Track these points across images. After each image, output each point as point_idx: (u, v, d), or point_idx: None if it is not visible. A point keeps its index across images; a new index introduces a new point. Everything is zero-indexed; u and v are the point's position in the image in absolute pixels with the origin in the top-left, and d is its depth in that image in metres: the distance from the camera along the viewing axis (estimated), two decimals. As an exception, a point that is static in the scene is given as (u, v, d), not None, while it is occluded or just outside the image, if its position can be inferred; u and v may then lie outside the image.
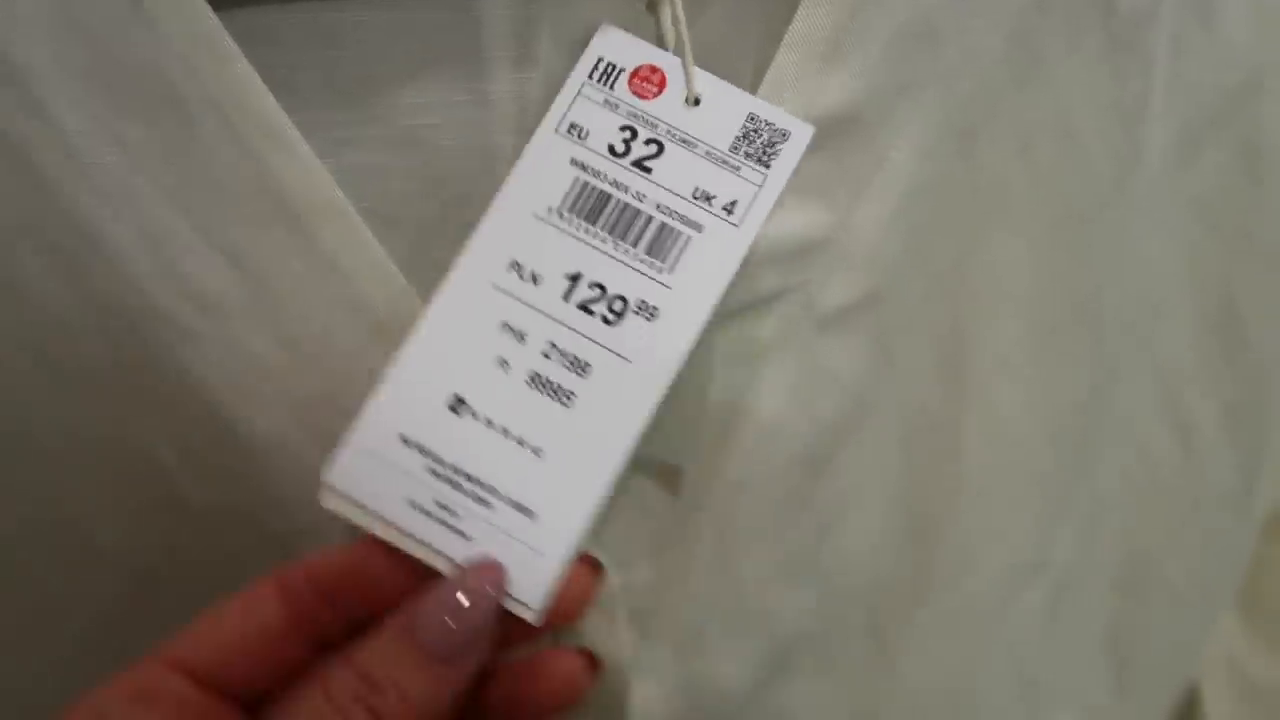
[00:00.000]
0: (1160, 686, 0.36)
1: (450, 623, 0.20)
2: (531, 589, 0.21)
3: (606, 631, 0.26)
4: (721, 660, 0.29)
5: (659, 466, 0.26)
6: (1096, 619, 0.34)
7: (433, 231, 0.24)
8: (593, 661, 0.23)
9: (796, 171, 0.24)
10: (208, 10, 0.21)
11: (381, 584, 0.22)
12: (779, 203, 0.24)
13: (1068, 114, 0.27)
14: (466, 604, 0.21)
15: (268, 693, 0.22)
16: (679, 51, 0.23)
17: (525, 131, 0.23)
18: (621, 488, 0.24)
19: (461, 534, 0.21)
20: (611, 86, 0.23)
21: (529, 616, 0.21)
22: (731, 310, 0.25)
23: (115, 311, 0.23)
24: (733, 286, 0.24)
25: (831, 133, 0.25)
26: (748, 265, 0.24)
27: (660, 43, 0.23)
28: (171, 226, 0.22)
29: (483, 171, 0.23)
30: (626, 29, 0.23)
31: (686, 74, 0.23)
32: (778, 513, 0.28)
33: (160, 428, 0.23)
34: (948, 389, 0.29)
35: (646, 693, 0.28)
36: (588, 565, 0.23)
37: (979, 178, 0.27)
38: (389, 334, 0.23)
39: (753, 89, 0.24)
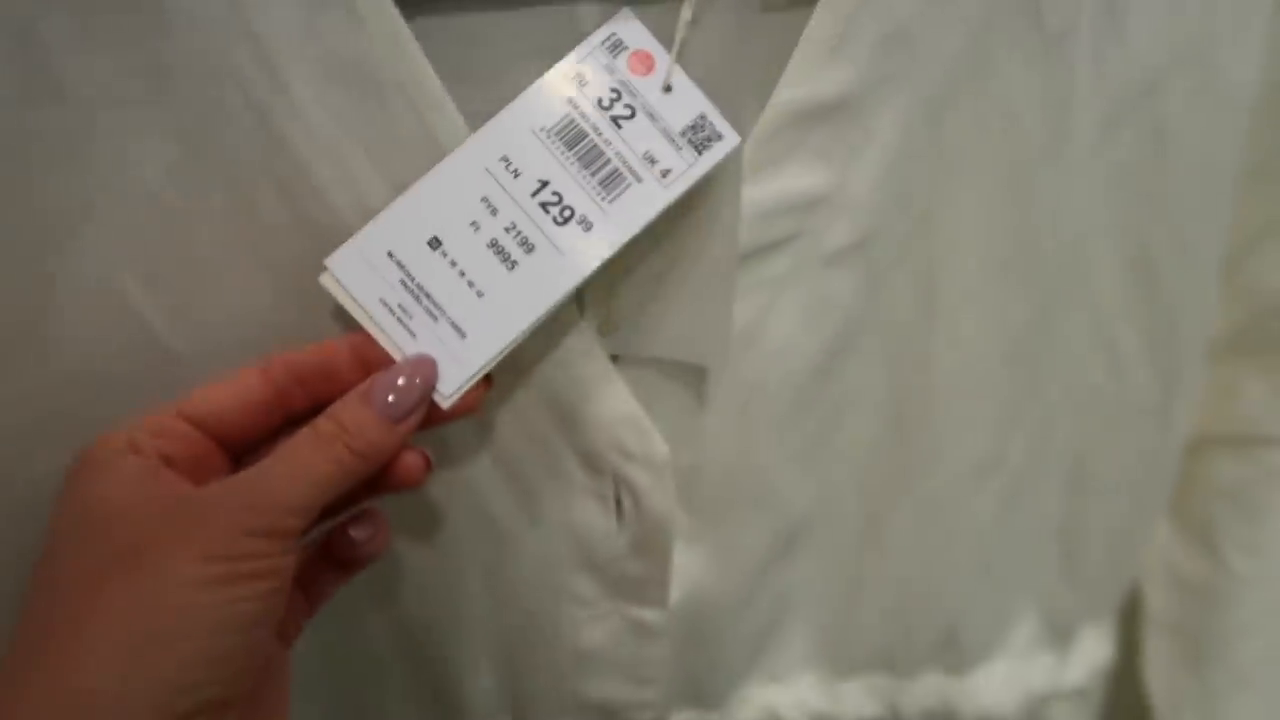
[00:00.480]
0: (1103, 573, 0.40)
1: (393, 397, 0.25)
2: (450, 385, 0.26)
3: (659, 495, 0.32)
4: (742, 532, 0.34)
5: (690, 368, 0.31)
6: (1047, 512, 0.38)
7: None
8: (429, 462, 0.27)
9: (803, 140, 0.28)
10: (399, 15, 0.25)
11: (340, 374, 0.26)
12: (792, 161, 0.28)
13: (1011, 100, 0.30)
14: (403, 384, 0.25)
15: (248, 447, 0.27)
16: (675, 51, 0.27)
17: None
18: (667, 384, 0.30)
19: (411, 334, 0.26)
20: (615, 57, 0.27)
21: (443, 403, 0.26)
22: (754, 249, 0.30)
23: (317, 230, 0.27)
24: (752, 229, 0.29)
25: (833, 112, 0.29)
26: (768, 214, 0.29)
27: (671, 38, 0.27)
28: (363, 169, 0.27)
29: None
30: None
31: (670, 67, 0.27)
32: (789, 411, 0.32)
33: (337, 320, 0.28)
34: (922, 313, 0.32)
35: (683, 553, 0.33)
36: (484, 386, 0.27)
37: (945, 146, 0.30)
38: None
39: (757, 78, 0.28)
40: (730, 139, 0.27)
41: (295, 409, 0.27)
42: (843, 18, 0.28)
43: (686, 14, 0.27)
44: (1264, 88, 0.34)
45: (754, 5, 0.28)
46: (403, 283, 0.26)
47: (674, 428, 0.31)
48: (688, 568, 0.33)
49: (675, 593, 0.33)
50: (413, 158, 0.27)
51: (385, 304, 0.26)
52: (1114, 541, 0.40)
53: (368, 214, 0.27)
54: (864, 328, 0.32)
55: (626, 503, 0.31)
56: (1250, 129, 0.34)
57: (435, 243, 0.26)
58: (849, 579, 0.36)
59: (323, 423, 0.25)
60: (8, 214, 0.27)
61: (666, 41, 0.28)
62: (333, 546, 0.28)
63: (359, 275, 0.26)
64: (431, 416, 0.27)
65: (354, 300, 0.26)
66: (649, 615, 0.33)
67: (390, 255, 0.26)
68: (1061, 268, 0.33)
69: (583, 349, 0.29)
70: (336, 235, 0.27)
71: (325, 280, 0.26)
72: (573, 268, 0.27)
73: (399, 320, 0.26)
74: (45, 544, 0.24)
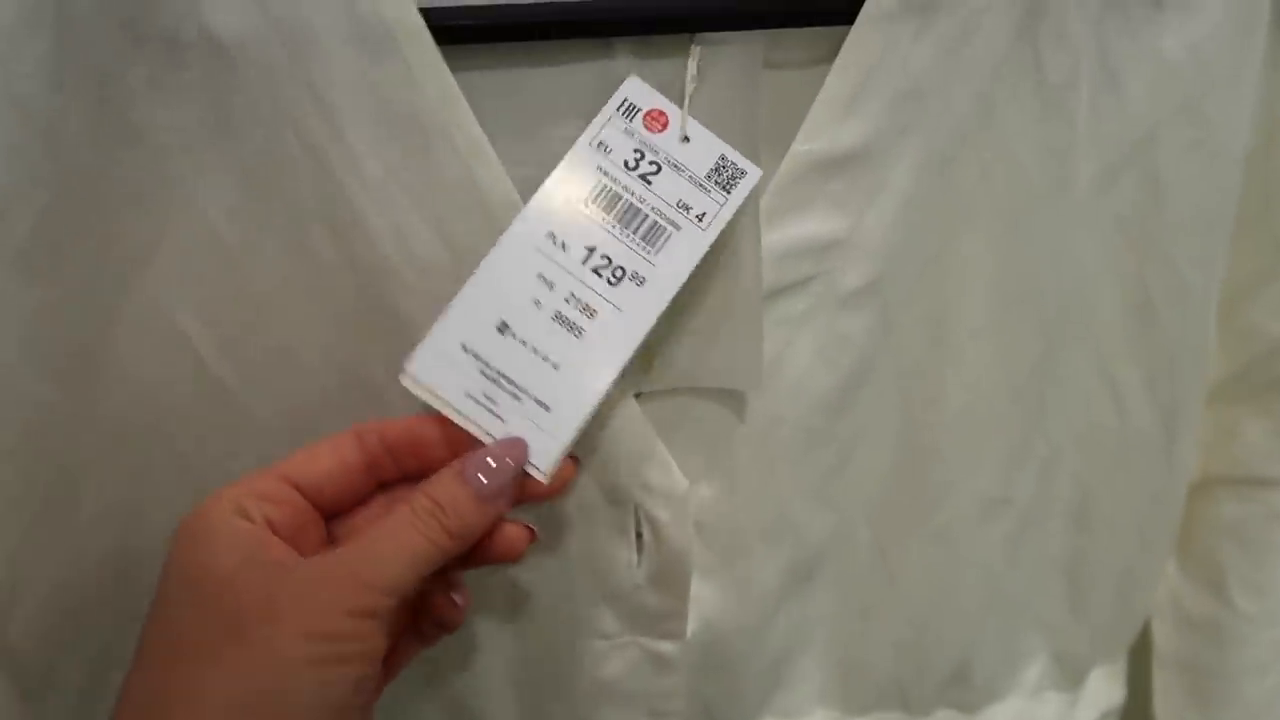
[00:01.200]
0: (1109, 610, 0.40)
1: (486, 476, 0.26)
2: (544, 459, 0.27)
3: (679, 529, 0.32)
4: (758, 565, 0.34)
5: (728, 393, 0.31)
6: (1055, 548, 0.38)
7: None
8: (533, 534, 0.28)
9: (822, 188, 0.29)
10: (448, 70, 0.26)
11: (429, 449, 0.27)
12: (812, 208, 0.29)
13: (1015, 150, 0.31)
14: (496, 464, 0.26)
15: (340, 510, 0.27)
16: (685, 104, 0.28)
17: None
18: (688, 420, 0.31)
19: (500, 418, 0.27)
20: (631, 120, 0.28)
21: (541, 478, 0.27)
22: (774, 290, 0.31)
23: (364, 270, 0.28)
24: (772, 271, 0.30)
25: (849, 163, 0.30)
26: (787, 257, 0.30)
27: (682, 92, 0.29)
28: (410, 215, 0.28)
29: None
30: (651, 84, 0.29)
31: (683, 120, 0.28)
32: (806, 446, 0.33)
33: (380, 355, 0.28)
34: (933, 352, 0.33)
35: (700, 586, 0.33)
36: (573, 467, 0.28)
37: (953, 193, 0.31)
38: None
39: (764, 129, 0.29)
40: (753, 172, 0.28)
41: (384, 477, 0.27)
42: (859, 76, 0.29)
43: (692, 69, 0.28)
44: (1256, 138, 0.35)
45: (757, 61, 0.29)
46: (482, 372, 0.27)
47: (693, 462, 0.32)
48: (704, 600, 0.34)
49: (691, 625, 0.33)
50: (457, 204, 0.28)
51: (470, 396, 0.27)
52: (1121, 580, 0.40)
53: (413, 258, 0.28)
54: (877, 365, 0.32)
55: (646, 535, 0.32)
56: (1244, 178, 0.35)
57: (503, 327, 0.27)
58: (862, 612, 0.36)
59: (420, 500, 0.25)
60: (80, 247, 0.28)
61: (675, 96, 0.29)
62: (421, 616, 0.28)
63: (439, 373, 0.27)
64: (522, 494, 0.27)
65: (438, 398, 0.27)
66: (667, 648, 0.33)
67: (464, 348, 0.27)
68: (1065, 309, 0.34)
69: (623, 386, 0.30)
70: (384, 277, 0.28)
71: (406, 382, 0.27)
72: (636, 322, 0.28)
73: (485, 408, 0.27)
74: (155, 605, 0.25)
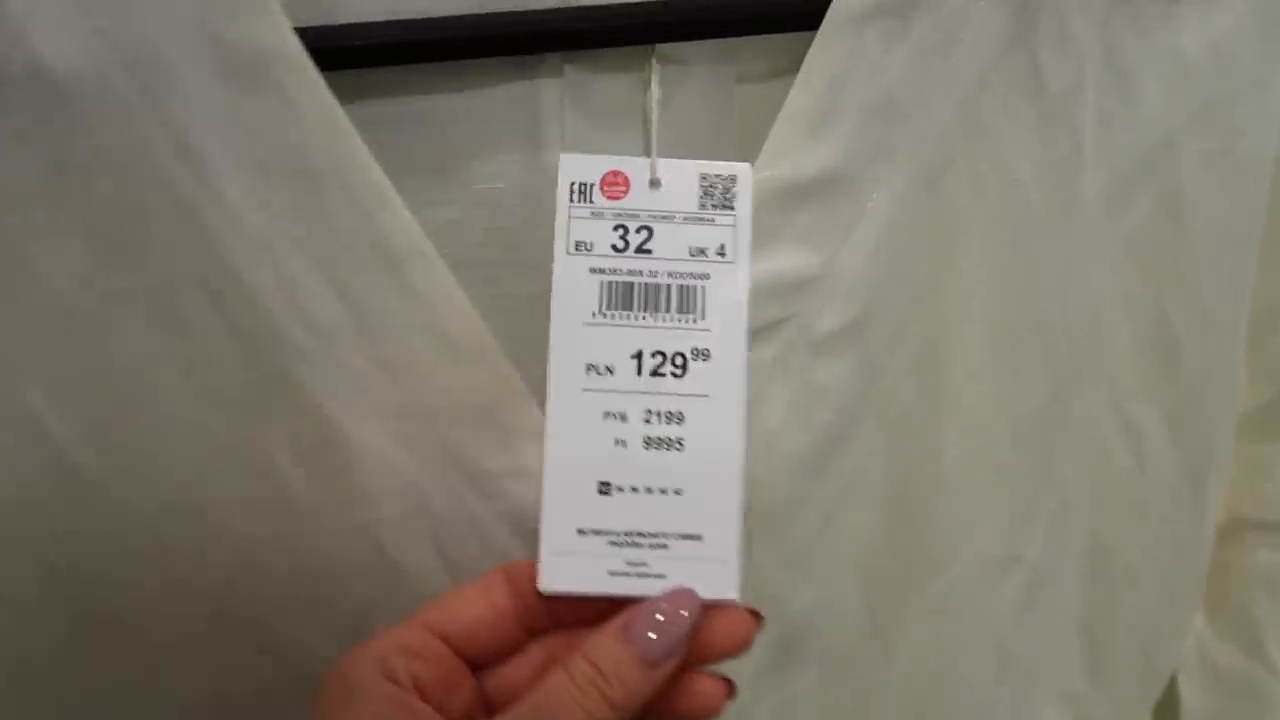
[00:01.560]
0: (1132, 671, 0.38)
1: (655, 634, 0.24)
2: (725, 584, 0.25)
3: None
4: None
5: None
6: (1070, 608, 0.36)
7: (496, 272, 0.27)
8: (731, 688, 0.26)
9: (789, 220, 0.27)
10: (334, 101, 0.24)
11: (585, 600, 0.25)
12: (777, 243, 0.27)
13: (1011, 167, 0.29)
14: (665, 619, 0.24)
15: (490, 661, 0.25)
16: (649, 148, 0.26)
17: None
18: None
19: (658, 576, 0.25)
20: (590, 200, 0.26)
21: (733, 601, 0.25)
22: None
23: (251, 338, 0.25)
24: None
25: (820, 189, 0.28)
26: (753, 297, 0.28)
27: (645, 118, 0.27)
28: (298, 270, 0.25)
29: (537, 224, 0.26)
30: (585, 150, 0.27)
31: (651, 165, 0.26)
32: (781, 509, 0.31)
33: (282, 436, 0.26)
34: (925, 398, 0.31)
35: None
36: (756, 619, 0.26)
37: (942, 219, 0.29)
38: (461, 354, 0.26)
39: (739, 154, 0.27)
40: (742, 171, 0.26)
41: (536, 625, 0.26)
42: (824, 89, 0.27)
43: (655, 92, 0.26)
44: (1284, 150, 0.33)
45: (728, 77, 0.27)
46: (612, 544, 0.25)
47: None
48: None
49: None
50: (356, 257, 0.25)
51: (615, 573, 0.25)
52: (1145, 638, 0.38)
53: (309, 322, 0.25)
54: (861, 416, 0.30)
55: None
56: (1272, 191, 0.33)
57: (604, 487, 0.26)
58: (856, 690, 0.34)
59: (579, 666, 0.23)
60: None
61: (625, 115, 0.27)
62: None
63: (572, 571, 0.25)
64: (697, 652, 0.25)
65: (590, 592, 0.25)
66: None
67: (580, 532, 0.26)
68: (1074, 344, 0.32)
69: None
70: (275, 345, 0.25)
71: (545, 593, 0.25)
72: (728, 396, 0.26)
73: (637, 576, 0.25)
74: None
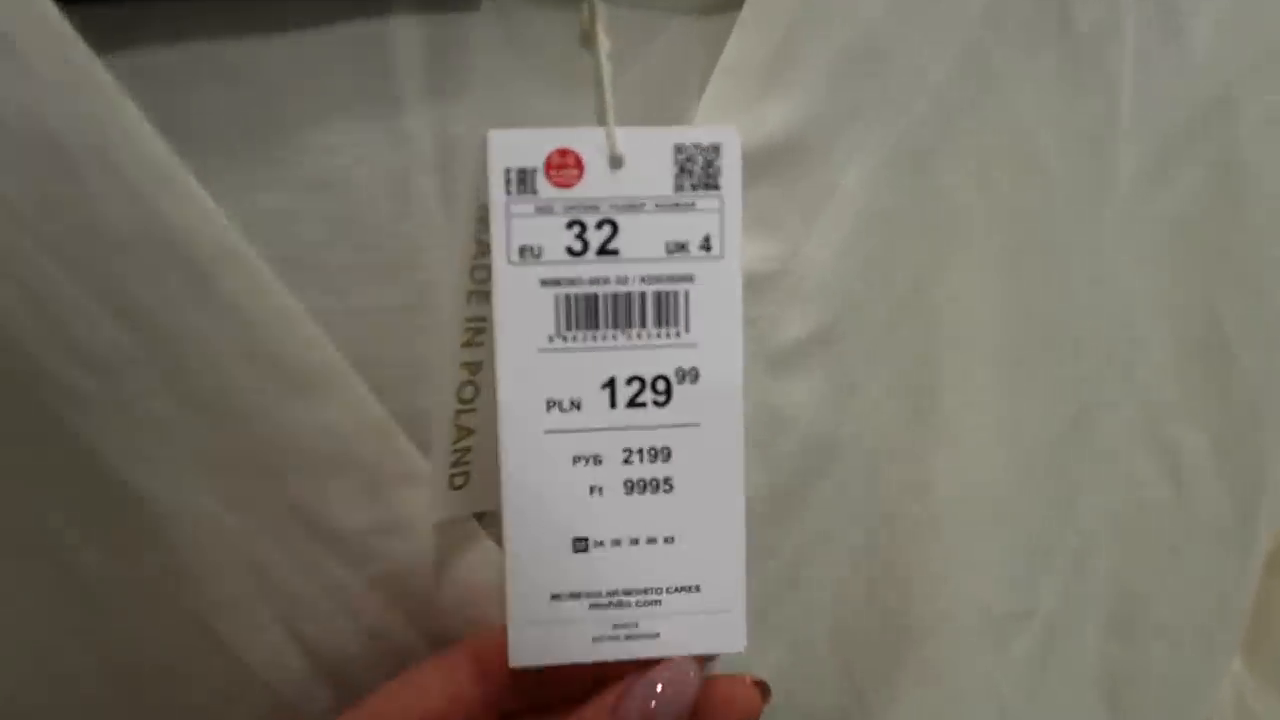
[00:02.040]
0: None
1: (655, 703, 0.22)
2: (731, 638, 0.23)
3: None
4: None
5: None
6: (1089, 666, 0.33)
7: (351, 277, 0.23)
8: (766, 690, 0.24)
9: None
10: (86, 49, 0.19)
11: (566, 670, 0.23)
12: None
13: (1027, 136, 0.26)
14: (665, 690, 0.22)
15: None
16: (600, 110, 0.22)
17: (448, 170, 0.22)
18: None
19: (650, 635, 0.23)
20: (533, 190, 0.22)
21: (739, 648, 0.24)
22: None
23: (2, 380, 0.21)
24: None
25: (776, 161, 0.24)
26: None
27: (597, 78, 0.22)
28: (56, 284, 0.20)
29: (402, 215, 0.22)
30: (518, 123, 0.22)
31: (609, 135, 0.22)
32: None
33: (58, 504, 0.22)
34: (915, 427, 0.28)
35: None
36: (763, 692, 0.24)
37: (935, 204, 0.26)
38: (304, 387, 0.22)
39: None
40: (728, 139, 0.23)
41: (509, 708, 0.23)
42: (779, 29, 0.23)
43: (605, 43, 0.21)
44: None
45: (691, 7, 0.23)
46: (594, 607, 0.23)
47: None
48: None
49: None
50: (140, 262, 0.21)
51: (601, 639, 0.23)
52: (1174, 693, 0.35)
53: (79, 353, 0.21)
54: (833, 450, 0.27)
55: None
56: None
57: (580, 544, 0.23)
58: None
59: None
60: None
61: (546, 66, 0.23)
62: None
63: (547, 642, 0.23)
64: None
65: (568, 660, 0.23)
66: None
67: (556, 598, 0.23)
68: (1102, 355, 0.29)
69: (434, 510, 0.24)
70: (32, 387, 0.21)
71: (518, 667, 0.23)
72: (723, 421, 0.23)
73: (628, 639, 0.23)
74: None
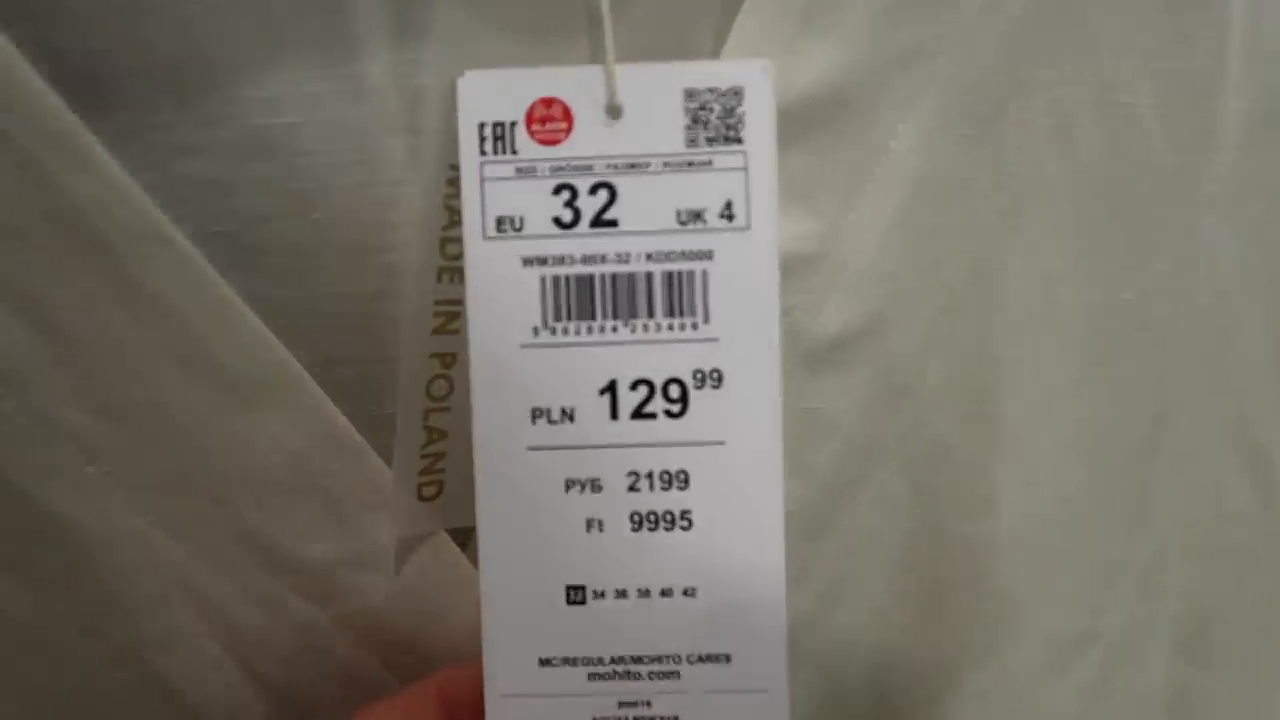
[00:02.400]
0: None
1: None
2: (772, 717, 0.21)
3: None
4: None
5: None
6: (1157, 690, 0.32)
7: (305, 260, 0.20)
8: None
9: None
10: None
11: None
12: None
13: (1119, 87, 0.24)
14: None
15: None
16: (602, 47, 0.19)
17: (416, 131, 0.20)
18: None
19: (669, 716, 0.20)
20: (513, 148, 0.19)
21: None
22: None
23: None
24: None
25: (813, 118, 0.22)
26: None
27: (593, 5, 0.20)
28: None
29: (364, 183, 0.20)
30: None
31: (607, 77, 0.19)
32: None
33: None
34: (972, 431, 0.26)
35: None
36: None
37: (1003, 170, 0.24)
38: (248, 396, 0.20)
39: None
40: (754, 78, 0.19)
41: None
42: None
43: None
44: None
45: None
46: (594, 675, 0.20)
47: None
48: None
49: None
50: (41, 247, 0.19)
51: (602, 718, 0.20)
52: (1247, 716, 0.33)
53: None
54: (877, 456, 0.26)
55: None
56: None
57: (575, 593, 0.20)
58: None
59: None
60: None
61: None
62: None
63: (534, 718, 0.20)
64: None
65: None
66: None
67: (545, 663, 0.20)
68: (1187, 351, 0.27)
69: (397, 525, 0.22)
70: None
71: None
72: (756, 436, 0.20)
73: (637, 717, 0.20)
74: None
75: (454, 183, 0.20)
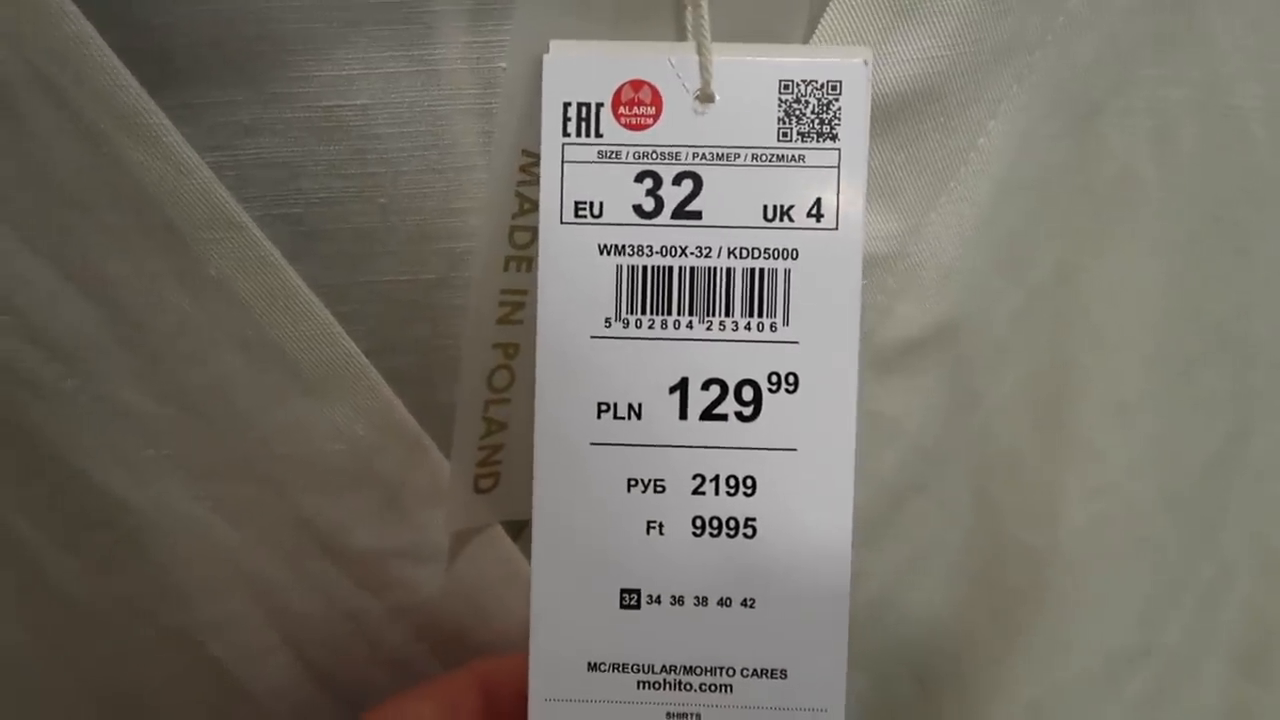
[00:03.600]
0: None
1: None
2: None
3: None
4: None
5: None
6: (1214, 706, 0.31)
7: (369, 245, 0.20)
8: None
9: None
10: None
11: None
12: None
13: (1226, 87, 0.23)
14: None
15: None
16: (696, 30, 0.18)
17: (490, 115, 0.20)
18: None
19: None
20: (598, 133, 0.18)
21: None
22: None
23: None
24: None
25: (903, 112, 0.21)
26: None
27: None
28: (5, 253, 0.18)
29: (433, 168, 0.19)
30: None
31: (702, 59, 0.18)
32: None
33: (17, 502, 0.20)
34: (1044, 440, 0.25)
35: None
36: None
37: (1099, 171, 0.23)
38: (311, 383, 0.20)
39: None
40: (853, 73, 0.19)
41: None
42: None
43: None
44: None
45: None
46: (644, 684, 0.19)
47: None
48: None
49: None
50: (94, 212, 0.18)
51: None
52: None
53: (39, 333, 0.19)
54: (943, 462, 0.25)
55: None
56: None
57: (629, 597, 0.19)
58: None
59: None
60: None
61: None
62: None
63: None
64: None
65: None
66: None
67: (594, 667, 0.19)
68: (1274, 365, 0.27)
69: (453, 517, 0.22)
70: None
71: None
72: (830, 447, 0.19)
73: None
74: None
75: (526, 169, 0.19)
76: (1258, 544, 0.28)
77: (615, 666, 0.19)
